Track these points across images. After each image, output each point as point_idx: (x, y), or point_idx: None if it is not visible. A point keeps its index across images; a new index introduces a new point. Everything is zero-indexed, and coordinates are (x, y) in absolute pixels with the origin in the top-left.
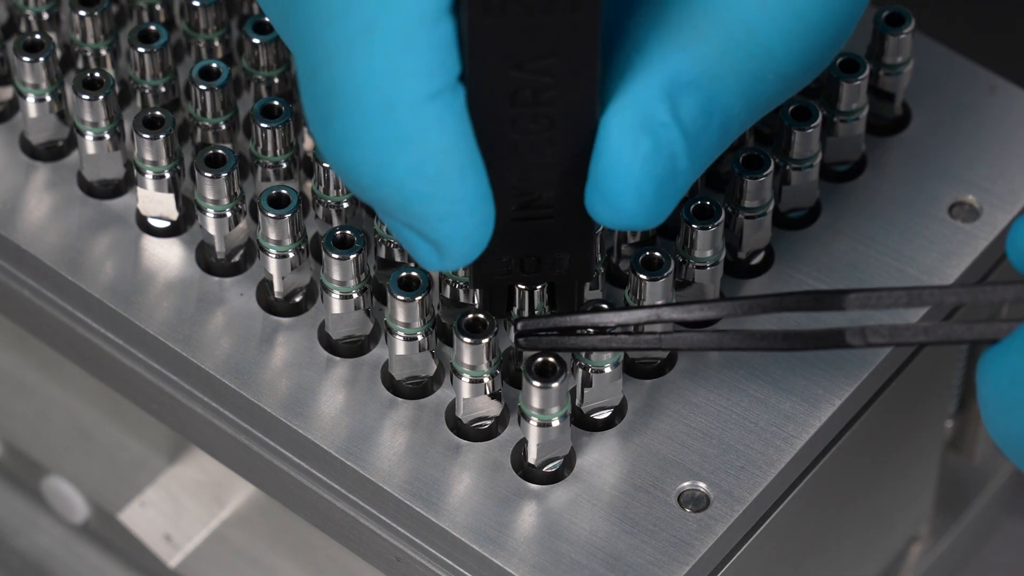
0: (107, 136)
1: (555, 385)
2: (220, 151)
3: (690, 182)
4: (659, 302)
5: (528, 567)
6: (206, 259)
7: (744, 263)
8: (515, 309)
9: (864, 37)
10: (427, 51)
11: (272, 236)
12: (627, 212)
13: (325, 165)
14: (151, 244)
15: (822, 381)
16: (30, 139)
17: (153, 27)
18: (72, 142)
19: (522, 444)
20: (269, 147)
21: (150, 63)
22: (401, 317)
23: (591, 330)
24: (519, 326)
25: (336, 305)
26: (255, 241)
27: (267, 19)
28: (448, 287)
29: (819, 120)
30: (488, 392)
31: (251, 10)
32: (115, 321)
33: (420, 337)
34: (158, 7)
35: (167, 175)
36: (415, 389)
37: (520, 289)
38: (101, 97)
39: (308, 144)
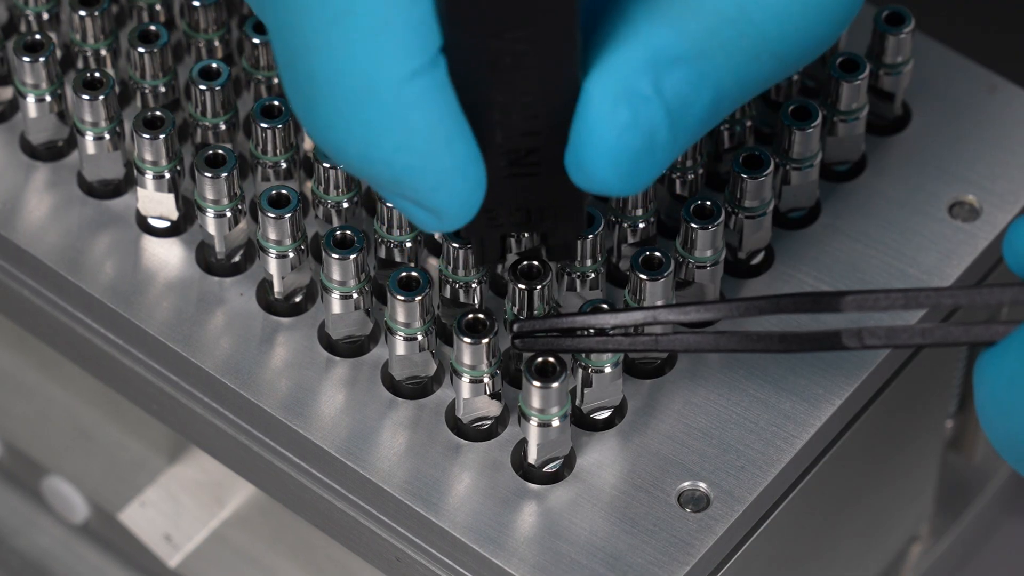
0: (107, 136)
1: (555, 385)
2: (220, 151)
3: (672, 156)
4: (657, 303)
5: (528, 567)
6: (206, 259)
7: (744, 263)
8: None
9: (864, 37)
10: (405, 32)
11: (272, 236)
12: (601, 180)
13: (325, 165)
14: (151, 244)
15: (822, 381)
16: (30, 139)
17: (153, 27)
18: (72, 142)
19: (522, 444)
20: (269, 147)
21: (150, 63)
22: (401, 317)
23: (589, 331)
24: (516, 327)
25: (336, 305)
26: (255, 241)
27: None
28: (448, 287)
29: (819, 120)
30: (488, 392)
31: (251, 10)
32: (115, 321)
33: (420, 337)
34: (158, 7)
35: (167, 175)
36: (415, 389)
37: (520, 289)
38: (101, 97)
39: (308, 144)
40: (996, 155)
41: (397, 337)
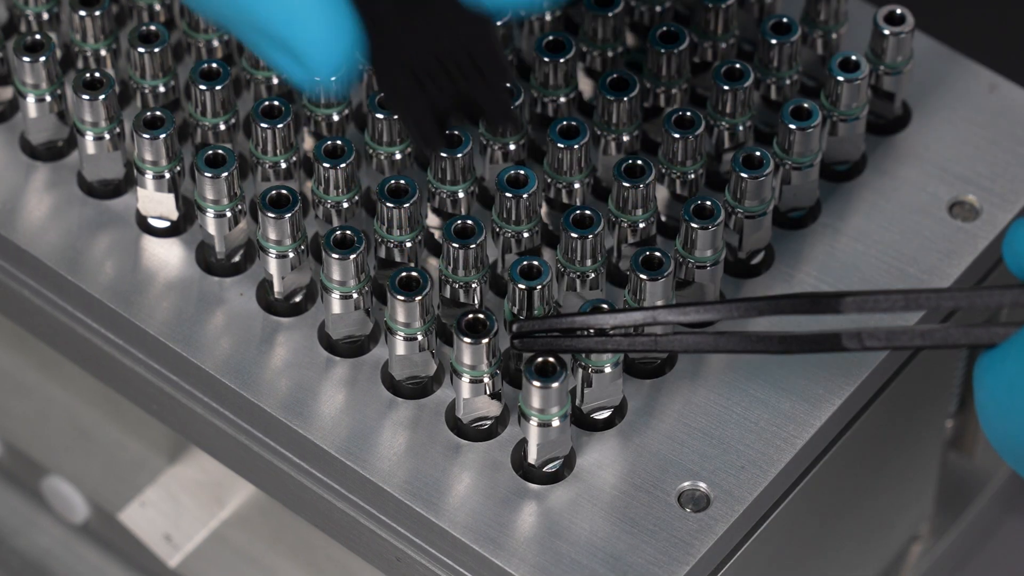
0: (107, 136)
1: (555, 385)
2: (220, 151)
3: None
4: (657, 303)
5: (528, 567)
6: (206, 259)
7: (744, 263)
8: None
9: (864, 37)
10: None
11: (272, 236)
12: None
13: (325, 165)
14: (151, 244)
15: (822, 381)
16: (30, 139)
17: (153, 27)
18: (72, 142)
19: (522, 444)
20: (269, 147)
21: (150, 63)
22: (401, 317)
23: (589, 331)
24: (516, 327)
25: (336, 305)
26: (255, 241)
27: None
28: (448, 287)
29: (819, 119)
30: (488, 392)
31: None
32: (115, 321)
33: (420, 337)
34: (158, 7)
35: (167, 175)
36: (415, 389)
37: (520, 289)
38: (101, 97)
39: (308, 144)
40: (996, 155)
41: (397, 337)
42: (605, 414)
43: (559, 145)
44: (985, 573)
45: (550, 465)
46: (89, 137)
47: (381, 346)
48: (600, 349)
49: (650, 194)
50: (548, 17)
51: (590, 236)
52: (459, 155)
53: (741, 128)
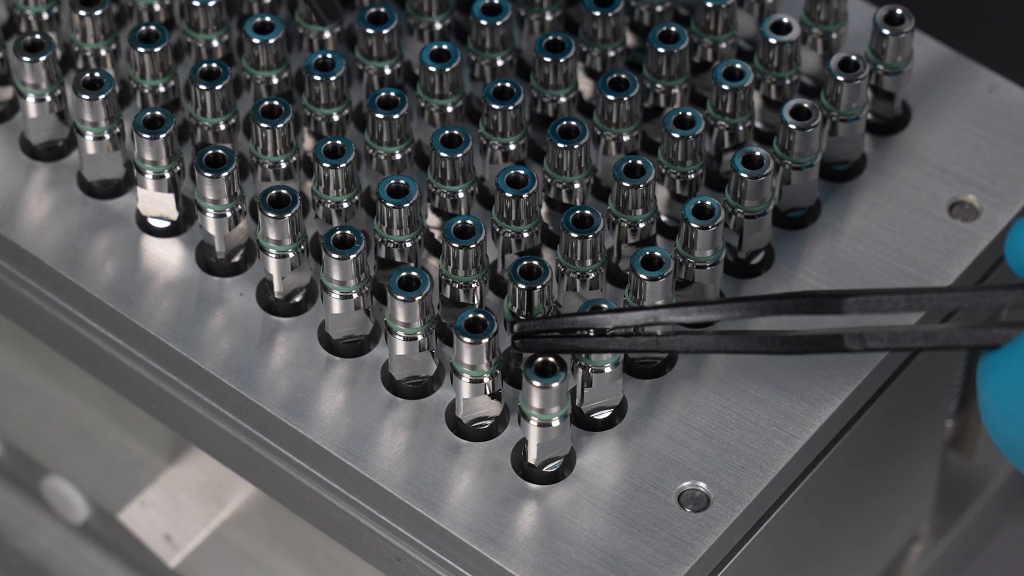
0: (107, 136)
1: (555, 385)
2: (220, 151)
3: None
4: (658, 303)
5: (528, 567)
6: (206, 259)
7: (744, 263)
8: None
9: (864, 37)
10: None
11: (272, 236)
12: None
13: (325, 165)
14: (151, 244)
15: (822, 381)
16: (30, 139)
17: (153, 27)
18: (72, 142)
19: (522, 444)
20: (269, 147)
21: (150, 63)
22: (401, 317)
23: (589, 332)
24: (516, 328)
25: (336, 305)
26: (255, 241)
27: (267, 19)
28: (448, 287)
29: (819, 119)
30: (488, 392)
31: (251, 10)
32: (115, 321)
33: (420, 337)
34: (158, 7)
35: (167, 175)
36: (415, 389)
37: (520, 289)
38: (101, 97)
39: (308, 144)
40: (996, 155)
41: (397, 337)
42: (605, 414)
43: (559, 145)
44: (985, 573)
45: (550, 465)
46: (89, 137)
47: (381, 346)
48: (601, 349)
49: (650, 194)
50: (548, 17)
51: (590, 236)
52: (459, 155)
53: (741, 128)
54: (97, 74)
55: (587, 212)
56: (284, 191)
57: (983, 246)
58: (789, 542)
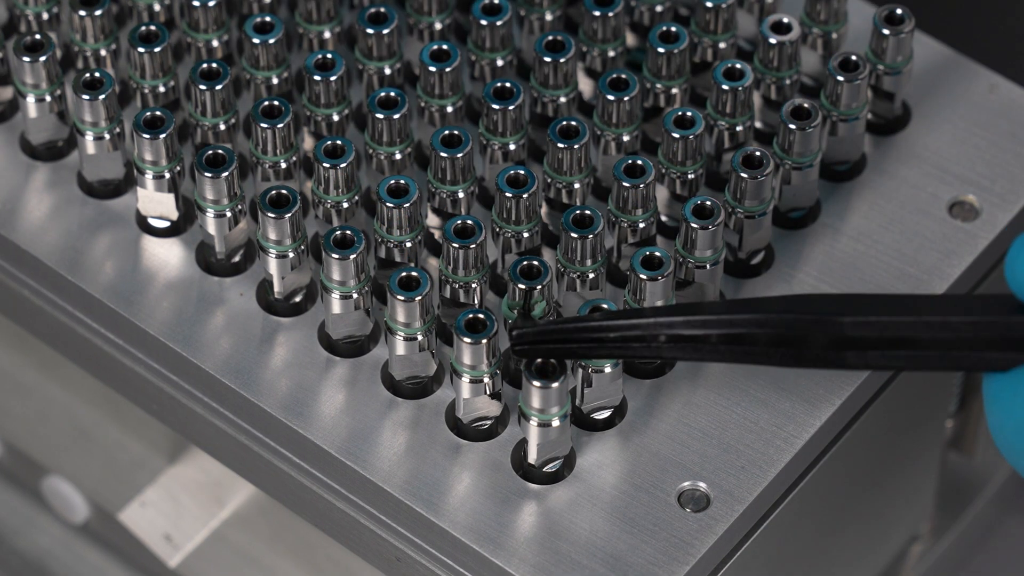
0: (107, 136)
1: (555, 385)
2: (220, 151)
3: None
4: (659, 319)
5: (528, 567)
6: (206, 259)
7: (744, 263)
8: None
9: (864, 37)
10: None
11: (272, 236)
12: None
13: (325, 165)
14: (151, 244)
15: (822, 381)
16: (30, 139)
17: (153, 27)
18: (72, 142)
19: (522, 444)
20: (269, 147)
21: (150, 63)
22: (401, 317)
23: (589, 343)
24: (515, 334)
25: (336, 305)
26: (255, 241)
27: (267, 19)
28: (448, 287)
29: (819, 119)
30: (488, 392)
31: (251, 10)
32: (115, 321)
33: (420, 337)
34: (158, 7)
35: (167, 175)
36: (415, 389)
37: (520, 289)
38: (101, 97)
39: (308, 144)
40: (996, 155)
41: (397, 337)
42: (605, 414)
43: (559, 145)
44: (985, 573)
45: (550, 465)
46: (89, 137)
47: (381, 346)
48: (600, 356)
49: (650, 194)
50: (548, 17)
51: (590, 236)
52: (459, 155)
53: (741, 128)
54: (97, 74)
55: (587, 212)
56: (284, 191)
57: (983, 246)
58: (789, 542)
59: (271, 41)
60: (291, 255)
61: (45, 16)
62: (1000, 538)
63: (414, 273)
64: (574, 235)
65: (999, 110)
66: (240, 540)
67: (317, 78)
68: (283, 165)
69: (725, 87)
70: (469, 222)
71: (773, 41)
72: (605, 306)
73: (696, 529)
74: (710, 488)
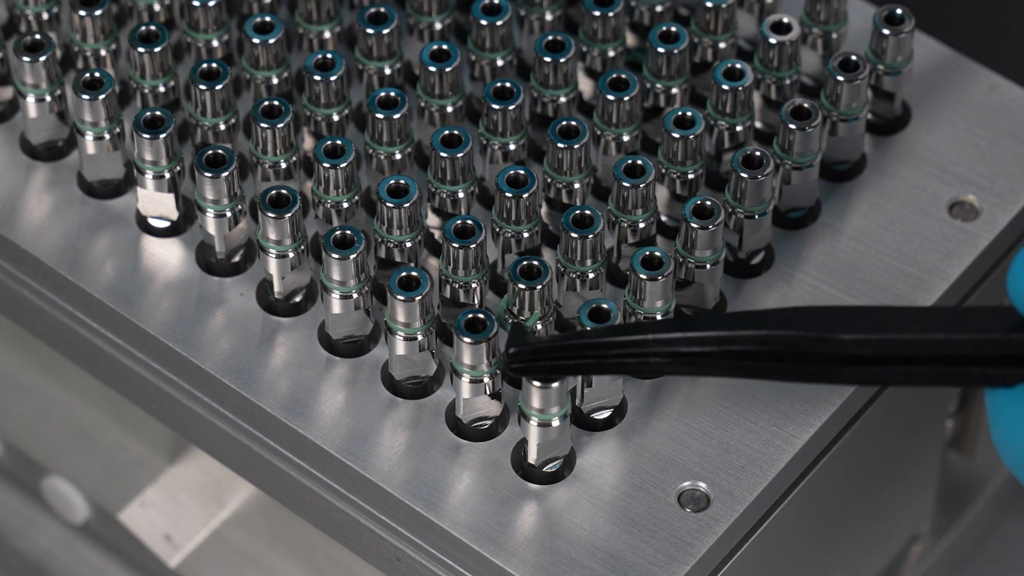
0: (107, 136)
1: (555, 385)
2: (220, 151)
3: None
4: (658, 335)
5: (528, 567)
6: (206, 259)
7: (744, 263)
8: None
9: (864, 37)
10: None
11: (272, 236)
12: None
13: (325, 165)
14: (151, 244)
15: None
16: (30, 139)
17: (153, 27)
18: (72, 142)
19: (522, 444)
20: (269, 147)
21: (150, 63)
22: (401, 317)
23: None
24: (512, 352)
25: (336, 305)
26: (255, 241)
27: (267, 19)
28: (448, 287)
29: (819, 119)
30: (488, 392)
31: (251, 10)
32: (115, 321)
33: (420, 337)
34: (158, 7)
35: (167, 175)
36: (415, 389)
37: (520, 289)
38: (101, 97)
39: (308, 144)
40: (996, 155)
41: (397, 337)
42: (605, 414)
43: (559, 145)
44: (985, 573)
45: (550, 465)
46: (89, 137)
47: (381, 346)
48: (598, 371)
49: (650, 194)
50: (548, 17)
51: (590, 236)
52: (459, 155)
53: (741, 128)
54: (97, 74)
55: (587, 212)
56: (284, 191)
57: (983, 246)
58: (789, 542)
59: (271, 41)
60: (291, 255)
61: (45, 16)
62: (1000, 538)
63: (414, 273)
64: (574, 235)
65: (999, 110)
66: (240, 540)
67: (317, 78)
68: (283, 165)
69: (725, 87)
70: (469, 222)
71: (773, 41)
72: (605, 306)
73: (696, 529)
74: (710, 488)
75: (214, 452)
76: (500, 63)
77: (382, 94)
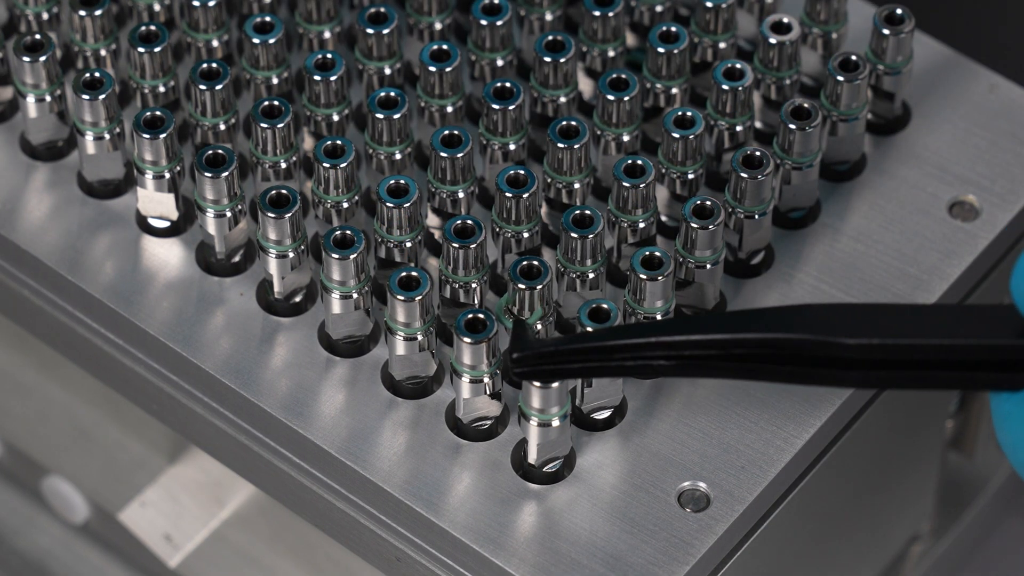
0: (107, 136)
1: (555, 385)
2: (220, 151)
3: None
4: (661, 339)
5: (528, 567)
6: (206, 259)
7: (744, 263)
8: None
9: (864, 37)
10: None
11: (272, 236)
12: None
13: (325, 165)
14: (151, 244)
15: None
16: (30, 139)
17: (153, 27)
18: (72, 142)
19: (522, 444)
20: (269, 147)
21: (150, 63)
22: (401, 317)
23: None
24: (515, 357)
25: (336, 305)
26: (255, 241)
27: (267, 19)
28: (448, 287)
29: (819, 119)
30: (488, 392)
31: (251, 10)
32: (115, 321)
33: (420, 337)
34: (158, 7)
35: (167, 175)
36: (415, 389)
37: (520, 289)
38: (101, 97)
39: (308, 144)
40: (996, 155)
41: (397, 337)
42: (605, 414)
43: (559, 145)
44: (985, 573)
45: (550, 465)
46: (89, 137)
47: (381, 346)
48: (603, 376)
49: (650, 194)
50: (548, 17)
51: (590, 236)
52: (459, 155)
53: (741, 128)
54: (97, 74)
55: (587, 212)
56: (284, 191)
57: (983, 246)
58: (789, 542)
59: (271, 41)
60: (291, 255)
61: (45, 16)
62: (1000, 538)
63: (414, 273)
64: (574, 235)
65: (999, 110)
66: (240, 540)
67: (317, 78)
68: (283, 165)
69: (725, 87)
70: (469, 222)
71: (773, 41)
72: (605, 306)
73: (696, 529)
74: (710, 488)
75: (214, 452)
76: (500, 63)
77: (382, 94)
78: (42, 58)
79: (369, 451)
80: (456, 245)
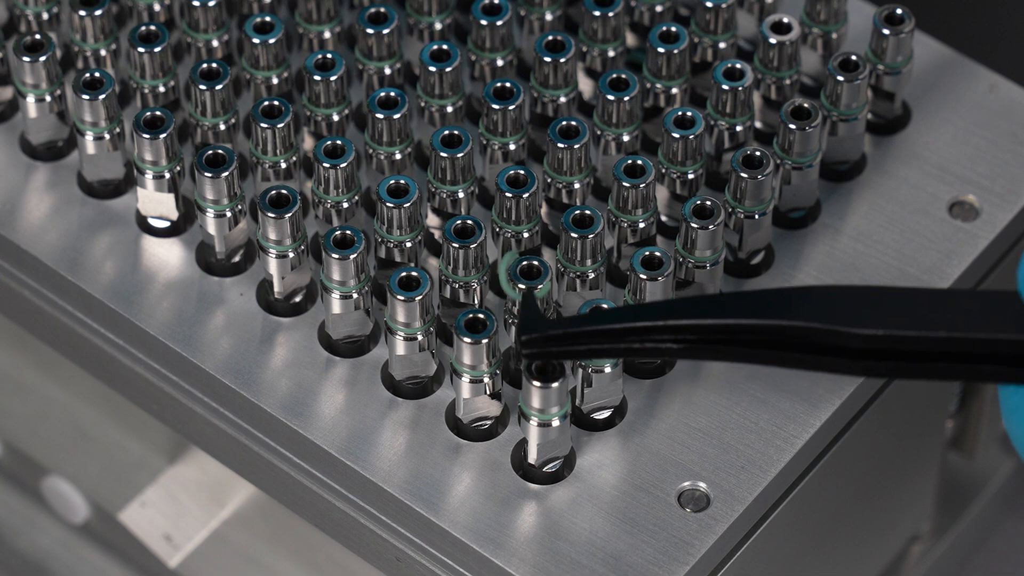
0: (107, 136)
1: (555, 385)
2: (220, 151)
3: None
4: (671, 322)
5: (528, 567)
6: (206, 259)
7: (744, 263)
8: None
9: (864, 37)
10: None
11: (272, 236)
12: None
13: (325, 165)
14: (151, 244)
15: (822, 381)
16: (30, 139)
17: (153, 27)
18: (72, 142)
19: (522, 444)
20: (269, 147)
21: (150, 63)
22: (401, 317)
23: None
24: (524, 339)
25: (336, 305)
26: (255, 241)
27: (267, 19)
28: (448, 287)
29: (819, 119)
30: (488, 392)
31: (251, 10)
32: (115, 321)
33: (420, 337)
34: (158, 7)
35: (167, 175)
36: (415, 389)
37: (521, 289)
38: (101, 97)
39: (308, 144)
40: (996, 155)
41: (397, 337)
42: (605, 414)
43: (559, 145)
44: (985, 573)
45: (550, 465)
46: (89, 137)
47: (381, 346)
48: (614, 356)
49: (650, 194)
50: (548, 17)
51: (590, 236)
52: (459, 155)
53: (741, 128)
54: (97, 74)
55: (587, 212)
56: (284, 191)
57: (983, 246)
58: (789, 542)
59: (271, 41)
60: (291, 255)
61: (45, 16)
62: (1000, 538)
63: (414, 273)
64: (574, 235)
65: (999, 110)
66: (240, 540)
67: (317, 78)
68: (283, 165)
69: (725, 87)
70: (469, 222)
71: (773, 41)
72: (605, 306)
73: (696, 529)
74: (710, 488)
75: (214, 452)
76: (500, 63)
77: (382, 94)
78: (42, 58)
79: (369, 451)
80: (456, 245)
